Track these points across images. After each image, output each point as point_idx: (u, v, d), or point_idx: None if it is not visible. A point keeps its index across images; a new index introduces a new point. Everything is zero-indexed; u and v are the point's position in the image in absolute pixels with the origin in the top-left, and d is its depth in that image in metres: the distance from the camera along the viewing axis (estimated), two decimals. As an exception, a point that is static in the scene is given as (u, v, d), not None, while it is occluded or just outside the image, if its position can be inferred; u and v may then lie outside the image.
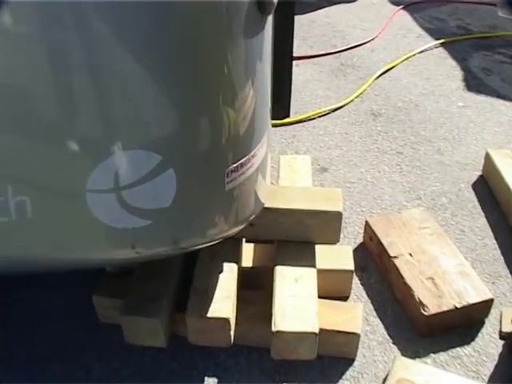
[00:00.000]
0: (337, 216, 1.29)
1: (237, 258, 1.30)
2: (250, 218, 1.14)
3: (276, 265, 1.31)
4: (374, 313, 1.44)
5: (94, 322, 1.38)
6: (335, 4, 3.65)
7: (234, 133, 0.92)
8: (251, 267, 1.40)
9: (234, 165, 0.96)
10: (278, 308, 1.19)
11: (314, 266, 1.30)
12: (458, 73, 2.75)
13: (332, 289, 1.40)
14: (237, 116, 0.91)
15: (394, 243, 1.52)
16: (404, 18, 3.43)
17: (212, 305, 1.19)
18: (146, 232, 0.90)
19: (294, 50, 3.03)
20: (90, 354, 1.34)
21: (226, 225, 1.05)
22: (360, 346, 1.32)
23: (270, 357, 1.23)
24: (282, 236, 1.34)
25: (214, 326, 1.18)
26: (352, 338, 1.26)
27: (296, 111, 2.35)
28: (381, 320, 1.42)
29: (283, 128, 2.24)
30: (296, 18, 3.23)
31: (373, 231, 1.57)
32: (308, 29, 3.27)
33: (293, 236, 1.34)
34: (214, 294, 1.21)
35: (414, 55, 2.90)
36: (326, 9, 3.60)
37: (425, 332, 1.36)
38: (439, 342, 1.36)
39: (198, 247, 1.12)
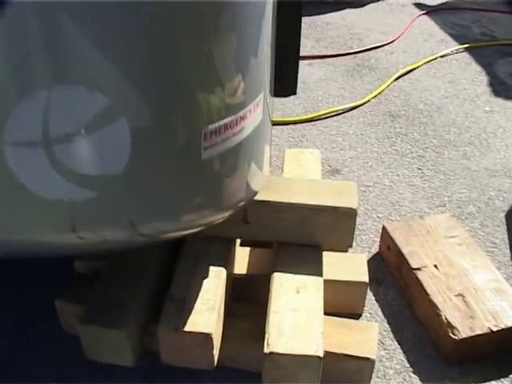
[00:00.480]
0: (350, 214, 1.06)
1: (226, 262, 1.07)
2: (238, 205, 0.91)
3: (274, 271, 1.07)
4: (391, 335, 1.20)
5: (57, 333, 1.16)
6: (346, 8, 3.46)
7: (215, 75, 0.70)
8: (244, 275, 1.17)
9: (215, 124, 0.73)
10: (273, 324, 0.96)
11: (320, 274, 1.07)
12: (483, 78, 2.53)
13: (341, 304, 1.17)
14: (219, 52, 0.68)
15: (416, 253, 1.28)
16: (425, 23, 3.23)
17: (191, 316, 0.95)
18: (88, 208, 0.67)
19: (307, 50, 2.89)
20: (46, 370, 1.11)
21: (203, 208, 0.81)
22: (374, 374, 1.08)
23: (263, 384, 0.99)
24: (283, 237, 1.11)
25: (193, 342, 0.94)
26: (365, 365, 1.03)
27: (307, 110, 2.13)
28: (399, 344, 1.18)
29: (291, 126, 2.02)
30: (310, 19, 3.06)
31: (391, 239, 1.33)
32: (323, 30, 3.07)
33: (296, 237, 1.10)
34: (194, 303, 0.98)
35: (435, 59, 2.69)
36: (342, 12, 3.40)
37: (453, 360, 1.12)
38: (470, 373, 1.12)
39: (168, 238, 0.89)
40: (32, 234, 0.71)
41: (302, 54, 2.73)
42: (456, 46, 2.80)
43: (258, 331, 1.00)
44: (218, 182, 0.81)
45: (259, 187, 1.00)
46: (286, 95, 1.10)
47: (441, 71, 2.56)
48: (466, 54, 2.77)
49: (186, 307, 0.98)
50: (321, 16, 3.25)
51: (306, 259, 1.09)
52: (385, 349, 1.17)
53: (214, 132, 0.73)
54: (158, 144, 0.68)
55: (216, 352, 0.98)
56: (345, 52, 2.72)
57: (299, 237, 1.10)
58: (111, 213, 0.71)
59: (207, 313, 0.97)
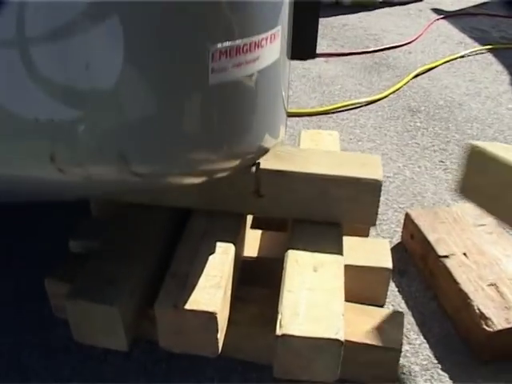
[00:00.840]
0: (374, 186, 0.95)
1: (235, 238, 0.96)
2: (246, 157, 0.80)
3: (288, 249, 0.95)
4: (416, 328, 1.08)
5: (46, 317, 1.05)
6: (359, 12, 3.39)
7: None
8: (255, 257, 1.06)
9: (226, 43, 0.62)
10: (287, 304, 0.85)
11: (340, 252, 0.95)
12: (505, 77, 2.42)
13: (361, 293, 1.05)
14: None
15: (443, 240, 1.16)
16: (443, 27, 3.14)
17: (194, 293, 0.84)
18: (70, 131, 0.56)
19: (323, 48, 2.81)
20: (32, 357, 1.00)
21: (205, 147, 0.70)
22: (398, 370, 0.96)
23: (274, 378, 0.87)
24: (300, 213, 1.00)
25: (195, 323, 0.83)
26: (389, 357, 0.90)
27: (322, 104, 2.03)
28: (425, 338, 1.06)
29: (307, 118, 1.92)
30: (326, 20, 2.98)
31: (415, 226, 1.22)
32: (339, 31, 2.99)
33: (313, 213, 0.99)
34: (198, 280, 0.87)
35: (455, 59, 2.58)
36: (359, 14, 3.32)
37: (486, 355, 1.00)
38: (506, 371, 0.99)
39: (167, 184, 0.78)
40: (7, 164, 0.60)
41: (317, 51, 2.65)
42: (475, 48, 2.70)
43: (270, 317, 0.88)
44: (224, 118, 0.70)
45: (271, 145, 0.89)
46: (305, 58, 0.99)
47: (461, 70, 2.46)
48: (486, 55, 2.67)
49: (188, 284, 0.87)
50: (337, 18, 3.17)
51: (324, 237, 0.98)
52: (409, 343, 1.05)
53: (223, 53, 0.62)
54: (157, 56, 0.58)
55: (221, 336, 0.86)
56: (362, 50, 2.63)
57: (317, 213, 0.99)
58: (97, 139, 0.60)
59: (212, 290, 0.86)
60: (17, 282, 1.16)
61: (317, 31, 1.06)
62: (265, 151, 0.88)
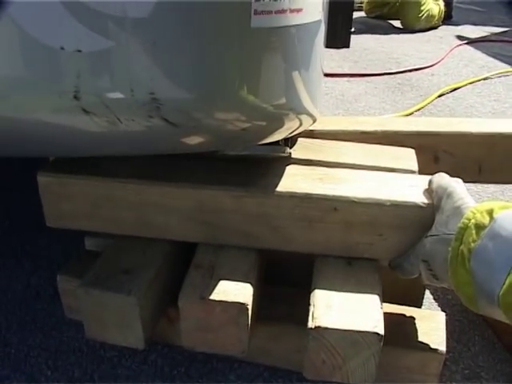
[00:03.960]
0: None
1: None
2: (284, 122, 0.74)
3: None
4: (455, 335, 1.00)
5: (58, 318, 0.99)
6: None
7: None
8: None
9: None
10: (319, 294, 0.77)
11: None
12: (532, 98, 2.36)
13: (396, 294, 0.96)
14: None
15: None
16: (465, 51, 3.11)
17: (221, 284, 0.77)
18: (97, 65, 0.51)
19: (345, 69, 2.77)
20: (41, 358, 0.93)
21: (241, 101, 0.64)
22: (437, 379, 0.87)
23: (304, 379, 0.80)
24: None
25: (223, 316, 0.76)
26: (431, 360, 0.82)
27: (345, 119, 1.98)
28: (465, 346, 0.97)
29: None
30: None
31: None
32: (361, 54, 2.98)
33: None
34: (225, 272, 0.80)
35: (479, 80, 2.54)
36: (379, 39, 3.31)
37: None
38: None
39: (198, 144, 0.73)
40: (32, 106, 0.55)
41: (340, 72, 2.61)
42: (499, 70, 2.67)
43: (300, 317, 0.80)
44: (265, 69, 0.65)
45: (308, 123, 0.84)
46: (339, 47, 0.96)
47: (485, 91, 2.41)
48: (510, 77, 2.63)
49: (214, 275, 0.80)
50: (357, 42, 3.15)
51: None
52: (448, 351, 0.96)
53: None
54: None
55: (250, 334, 0.79)
56: (385, 72, 2.60)
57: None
58: (127, 75, 0.55)
59: (241, 282, 0.79)
60: (28, 282, 1.10)
61: (351, 19, 1.02)
62: (300, 125, 0.82)
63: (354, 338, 0.73)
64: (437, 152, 1.02)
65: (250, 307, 0.75)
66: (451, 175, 0.80)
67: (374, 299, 0.77)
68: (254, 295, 0.78)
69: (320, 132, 1.02)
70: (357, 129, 1.03)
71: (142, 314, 0.78)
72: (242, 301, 0.75)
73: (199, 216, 0.83)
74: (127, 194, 0.84)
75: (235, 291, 0.77)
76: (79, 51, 0.52)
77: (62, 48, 0.52)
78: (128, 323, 0.78)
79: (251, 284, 0.79)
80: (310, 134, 1.01)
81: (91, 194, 0.85)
